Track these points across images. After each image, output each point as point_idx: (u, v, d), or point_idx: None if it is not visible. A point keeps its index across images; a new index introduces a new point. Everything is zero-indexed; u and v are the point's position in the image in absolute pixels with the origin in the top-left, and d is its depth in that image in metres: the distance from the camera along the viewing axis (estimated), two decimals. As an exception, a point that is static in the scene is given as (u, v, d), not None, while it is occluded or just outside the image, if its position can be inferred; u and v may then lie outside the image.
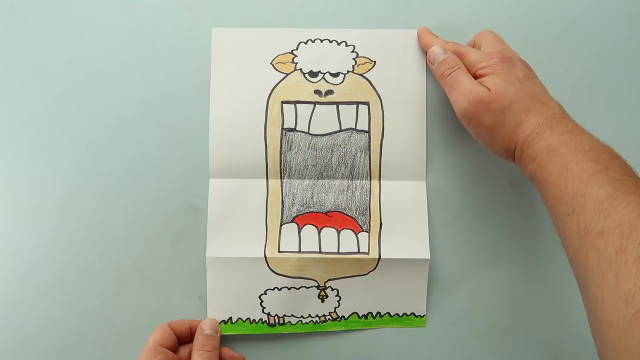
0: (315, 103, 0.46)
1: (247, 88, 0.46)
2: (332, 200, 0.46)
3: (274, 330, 0.45)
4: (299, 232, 0.45)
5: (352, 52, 0.47)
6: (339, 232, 0.45)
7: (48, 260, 0.45)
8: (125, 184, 0.46)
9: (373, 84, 0.46)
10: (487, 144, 0.41)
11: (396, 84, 0.46)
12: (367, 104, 0.46)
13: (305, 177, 0.46)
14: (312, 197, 0.46)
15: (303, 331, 0.46)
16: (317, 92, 0.46)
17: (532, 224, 0.48)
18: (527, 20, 0.48)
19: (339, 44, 0.47)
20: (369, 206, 0.46)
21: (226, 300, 0.45)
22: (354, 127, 0.46)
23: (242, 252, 0.44)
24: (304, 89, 0.46)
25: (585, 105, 0.47)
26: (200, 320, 0.44)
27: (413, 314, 0.47)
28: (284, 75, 0.46)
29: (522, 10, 0.48)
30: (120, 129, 0.46)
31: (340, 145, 0.46)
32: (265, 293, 0.45)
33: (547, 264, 0.48)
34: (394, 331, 0.47)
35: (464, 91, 0.40)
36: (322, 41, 0.47)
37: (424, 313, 0.47)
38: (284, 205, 0.46)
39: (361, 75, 0.46)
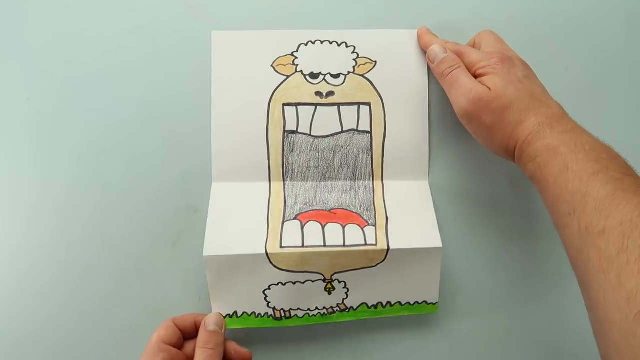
0: (316, 105, 0.46)
1: (248, 91, 0.46)
2: (336, 199, 0.45)
3: (280, 323, 0.44)
4: (302, 228, 0.44)
5: (353, 52, 0.46)
6: (344, 227, 0.44)
7: (48, 260, 0.45)
8: (125, 184, 0.45)
9: (374, 84, 0.46)
10: (487, 143, 0.41)
11: (397, 84, 0.46)
12: (368, 104, 0.46)
13: (308, 179, 0.46)
14: (315, 197, 0.45)
15: (310, 323, 0.44)
16: (318, 93, 0.46)
17: (532, 224, 0.48)
18: (527, 20, 0.48)
19: (339, 45, 0.47)
20: (374, 203, 0.45)
21: (230, 295, 0.43)
22: (355, 128, 0.46)
23: (242, 250, 0.43)
24: (305, 91, 0.46)
25: (585, 105, 0.47)
26: (205, 315, 0.43)
27: (425, 302, 0.45)
28: (285, 77, 0.46)
29: (522, 10, 0.48)
30: (120, 130, 0.46)
31: (342, 147, 0.46)
32: (269, 288, 0.43)
33: (547, 264, 0.48)
34: (394, 339, 0.47)
35: (463, 90, 0.40)
36: (322, 42, 0.46)
37: (437, 300, 0.45)
38: (287, 205, 0.45)
39: (362, 75, 0.46)
